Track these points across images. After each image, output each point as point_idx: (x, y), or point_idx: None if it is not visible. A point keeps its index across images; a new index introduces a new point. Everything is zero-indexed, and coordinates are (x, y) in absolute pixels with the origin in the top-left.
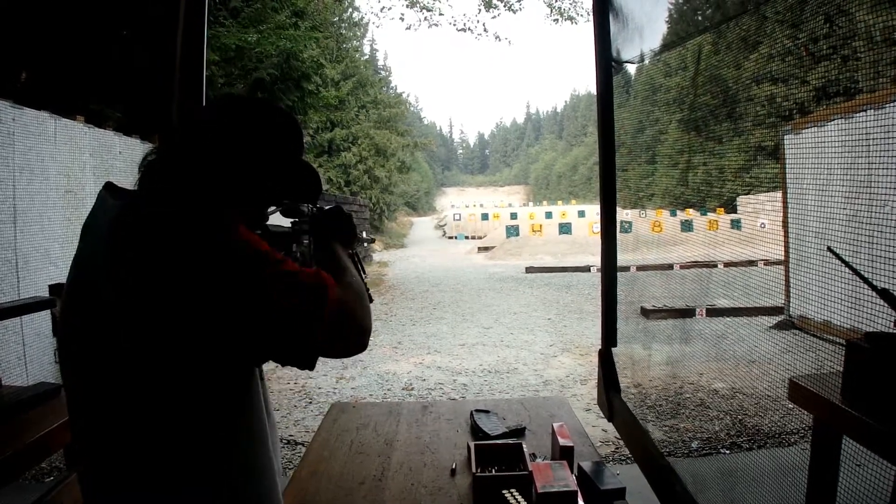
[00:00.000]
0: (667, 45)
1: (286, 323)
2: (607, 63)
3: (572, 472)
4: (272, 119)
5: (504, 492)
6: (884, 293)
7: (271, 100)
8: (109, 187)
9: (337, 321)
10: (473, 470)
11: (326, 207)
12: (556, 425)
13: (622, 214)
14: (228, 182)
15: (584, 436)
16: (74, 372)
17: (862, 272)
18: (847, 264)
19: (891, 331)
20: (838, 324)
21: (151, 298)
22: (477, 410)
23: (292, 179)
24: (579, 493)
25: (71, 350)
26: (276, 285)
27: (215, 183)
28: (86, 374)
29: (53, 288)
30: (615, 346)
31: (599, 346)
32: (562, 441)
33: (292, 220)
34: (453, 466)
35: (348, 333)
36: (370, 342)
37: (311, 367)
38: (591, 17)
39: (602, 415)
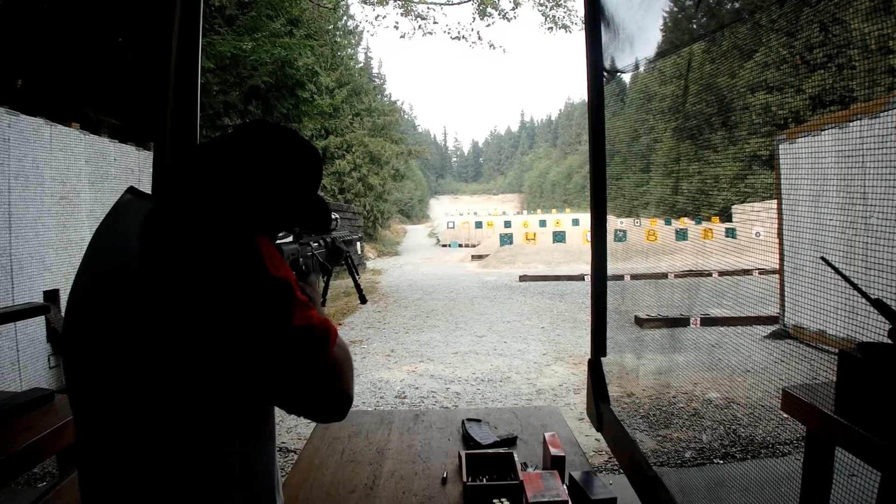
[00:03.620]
0: (660, 54)
1: (288, 359)
2: (598, 72)
3: (563, 482)
4: (301, 150)
5: (494, 501)
6: (877, 303)
7: (300, 132)
8: (134, 192)
9: (329, 377)
10: (464, 479)
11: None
12: (547, 435)
13: (616, 223)
14: (252, 200)
15: (576, 445)
16: (81, 374)
17: (856, 282)
18: (841, 274)
19: (884, 341)
20: (833, 333)
21: (177, 306)
22: (468, 419)
23: (307, 210)
24: (570, 503)
25: (78, 352)
26: (289, 320)
27: (241, 196)
28: (94, 376)
29: (48, 294)
30: (604, 355)
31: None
32: (553, 451)
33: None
34: (444, 475)
35: (334, 393)
36: (362, 350)
37: (298, 413)
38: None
39: None
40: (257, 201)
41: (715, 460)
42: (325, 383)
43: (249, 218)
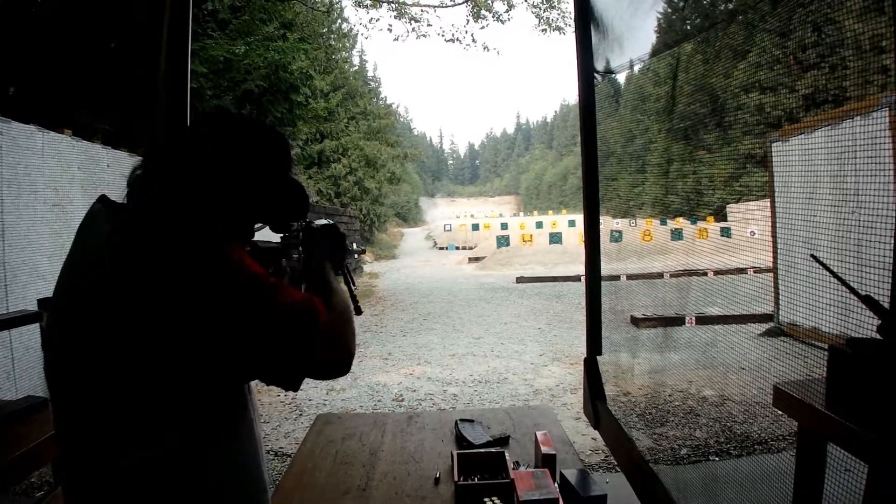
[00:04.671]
0: (651, 54)
1: (277, 347)
2: (589, 74)
3: (555, 480)
4: (262, 136)
5: (486, 500)
6: (867, 299)
7: (261, 117)
8: (104, 200)
9: (324, 346)
10: (456, 478)
11: (320, 224)
12: (539, 434)
13: (612, 224)
14: (218, 197)
15: (568, 444)
16: (61, 379)
17: (848, 278)
18: (830, 271)
19: (873, 336)
20: (827, 330)
21: (147, 314)
22: (461, 420)
23: (280, 197)
24: (561, 501)
25: (58, 357)
26: (270, 310)
27: (206, 197)
28: (73, 381)
29: (42, 302)
30: (600, 353)
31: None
32: (544, 449)
33: (282, 234)
34: (437, 475)
35: (334, 357)
36: (359, 353)
37: (296, 388)
38: None
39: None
40: (225, 198)
41: (711, 457)
42: (321, 350)
43: (221, 216)
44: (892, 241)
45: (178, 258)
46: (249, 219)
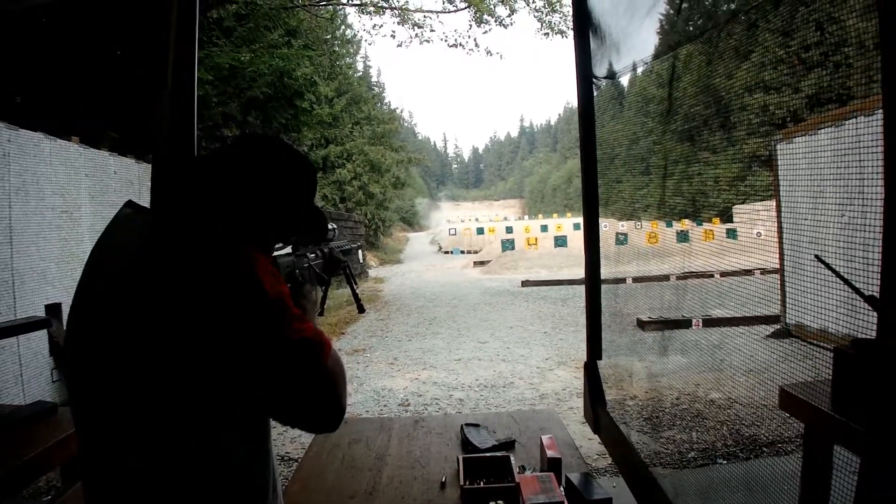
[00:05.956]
0: (655, 56)
1: (289, 366)
2: (588, 79)
3: (560, 484)
4: (294, 161)
5: (491, 503)
6: (871, 299)
7: (295, 145)
8: (132, 205)
9: (323, 384)
10: (462, 483)
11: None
12: (544, 438)
13: (618, 227)
14: (249, 214)
15: (573, 448)
16: (82, 383)
17: (853, 279)
18: (834, 271)
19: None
20: (834, 331)
21: (169, 317)
22: (467, 424)
23: (305, 220)
24: None
25: (80, 364)
26: (282, 334)
27: (241, 212)
28: (95, 386)
29: (50, 308)
30: (600, 358)
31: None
32: (549, 453)
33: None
34: (443, 480)
35: (327, 403)
36: (365, 358)
37: (292, 423)
38: None
39: None
40: (254, 215)
41: (718, 460)
42: (319, 393)
43: (247, 232)
44: (881, 241)
45: (212, 272)
46: (274, 238)
